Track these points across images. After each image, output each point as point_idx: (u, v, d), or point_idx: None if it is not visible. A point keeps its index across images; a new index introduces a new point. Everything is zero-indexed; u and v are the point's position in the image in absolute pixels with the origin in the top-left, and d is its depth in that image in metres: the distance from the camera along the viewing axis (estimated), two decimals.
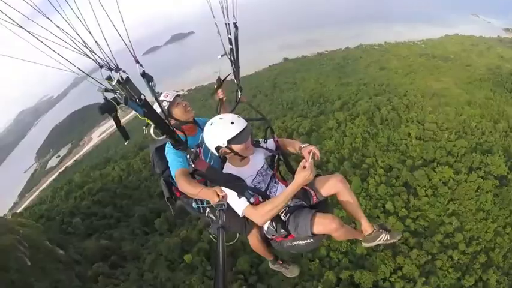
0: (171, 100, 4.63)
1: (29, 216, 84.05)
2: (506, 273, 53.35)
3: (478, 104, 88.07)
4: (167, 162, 4.44)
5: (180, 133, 4.04)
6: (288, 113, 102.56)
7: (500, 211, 62.49)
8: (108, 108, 3.38)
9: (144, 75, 3.65)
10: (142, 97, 3.30)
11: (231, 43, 4.80)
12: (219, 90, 5.31)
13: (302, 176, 3.57)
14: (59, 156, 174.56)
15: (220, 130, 3.74)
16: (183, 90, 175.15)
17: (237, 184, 3.82)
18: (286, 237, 4.25)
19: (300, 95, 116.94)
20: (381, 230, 4.56)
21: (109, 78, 3.13)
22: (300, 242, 4.18)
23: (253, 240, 4.81)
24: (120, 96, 3.22)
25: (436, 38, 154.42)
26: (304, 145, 4.35)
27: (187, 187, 3.98)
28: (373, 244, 4.63)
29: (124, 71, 3.16)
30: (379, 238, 4.53)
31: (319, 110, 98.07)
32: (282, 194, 3.73)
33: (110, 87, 3.18)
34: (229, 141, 3.74)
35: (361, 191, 66.04)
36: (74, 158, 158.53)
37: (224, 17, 4.57)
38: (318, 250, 54.85)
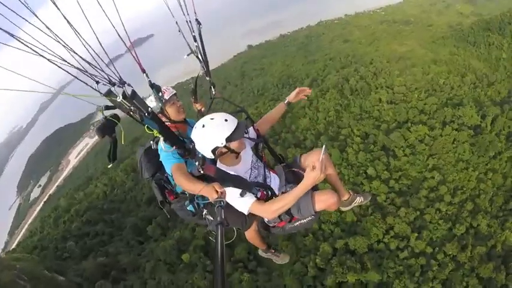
0: (167, 98, 4.48)
1: (22, 250, 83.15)
2: (495, 216, 54.76)
3: (444, 61, 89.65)
4: (157, 162, 4.36)
5: (177, 128, 4.24)
6: (260, 99, 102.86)
7: (479, 159, 64.29)
8: (108, 130, 3.36)
9: (152, 86, 3.78)
10: (150, 110, 3.20)
11: (195, 40, 4.73)
12: (197, 103, 5.19)
13: (312, 177, 3.52)
14: (40, 185, 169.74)
15: (215, 130, 3.63)
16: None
17: (244, 183, 3.82)
18: (290, 221, 4.34)
19: (269, 79, 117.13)
20: (355, 194, 5.09)
21: (109, 93, 2.91)
22: (303, 221, 4.30)
23: (251, 232, 4.93)
24: (126, 113, 3.07)
25: (395, 3, 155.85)
26: (288, 97, 4.85)
27: (186, 182, 3.84)
28: (350, 207, 5.13)
29: (129, 84, 2.99)
30: (355, 201, 5.07)
31: (289, 91, 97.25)
32: (291, 194, 3.71)
33: (109, 104, 3.03)
34: (228, 139, 3.67)
35: (342, 161, 66.86)
36: (56, 184, 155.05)
37: (184, 14, 4.51)
38: None
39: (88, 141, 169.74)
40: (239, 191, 3.73)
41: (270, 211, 3.76)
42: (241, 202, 3.76)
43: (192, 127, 3.89)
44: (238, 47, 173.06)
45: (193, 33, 4.66)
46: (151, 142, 4.33)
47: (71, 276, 61.83)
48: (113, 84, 2.90)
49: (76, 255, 71.81)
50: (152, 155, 4.43)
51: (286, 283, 49.33)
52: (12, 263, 63.46)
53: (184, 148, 3.68)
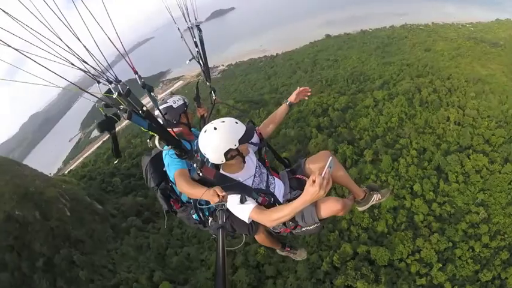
0: (184, 103, 4.61)
1: (71, 176, 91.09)
2: None
3: None
4: (162, 172, 4.41)
5: (180, 133, 4.33)
6: (326, 89, 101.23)
7: None
8: (108, 125, 3.33)
9: (144, 86, 3.71)
10: (144, 108, 3.19)
11: (197, 46, 4.83)
12: (200, 108, 5.20)
13: (310, 193, 3.16)
14: None
15: (229, 132, 3.64)
16: (223, 65, 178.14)
17: (243, 187, 3.78)
18: (295, 228, 4.23)
19: (340, 72, 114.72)
20: (372, 192, 4.77)
21: (108, 92, 3.00)
22: (309, 228, 4.13)
23: (260, 236, 4.89)
24: (121, 111, 3.10)
25: (487, 21, 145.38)
26: (289, 98, 4.82)
27: (187, 187, 3.90)
28: (367, 206, 4.82)
29: (124, 83, 3.04)
30: (372, 199, 4.75)
31: (358, 88, 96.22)
32: (290, 206, 3.46)
33: (109, 101, 3.08)
34: (240, 141, 3.68)
35: (391, 170, 65.46)
36: (117, 128, 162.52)
37: (186, 21, 4.62)
38: (339, 222, 55.49)
39: (158, 91, 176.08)
40: (238, 197, 3.66)
41: (269, 220, 3.62)
42: (241, 209, 3.67)
43: (196, 135, 4.01)
44: (316, 35, 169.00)
45: (194, 39, 4.77)
46: (148, 141, 4.07)
47: (108, 207, 67.30)
48: (110, 83, 2.99)
49: (118, 191, 78.04)
50: (158, 164, 4.46)
51: (298, 269, 49.70)
52: (59, 183, 70.89)
53: (181, 148, 3.61)
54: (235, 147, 3.66)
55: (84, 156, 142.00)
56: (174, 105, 4.46)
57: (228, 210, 3.50)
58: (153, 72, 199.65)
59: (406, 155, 68.31)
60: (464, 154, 67.57)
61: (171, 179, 4.24)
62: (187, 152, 3.63)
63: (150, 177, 4.58)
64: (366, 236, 55.21)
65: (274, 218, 3.56)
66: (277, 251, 5.83)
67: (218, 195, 3.43)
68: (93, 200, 67.24)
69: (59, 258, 53.08)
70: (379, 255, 52.16)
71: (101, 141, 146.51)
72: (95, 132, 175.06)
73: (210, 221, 4.18)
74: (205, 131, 3.66)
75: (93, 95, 2.98)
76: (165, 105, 4.42)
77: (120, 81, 3.04)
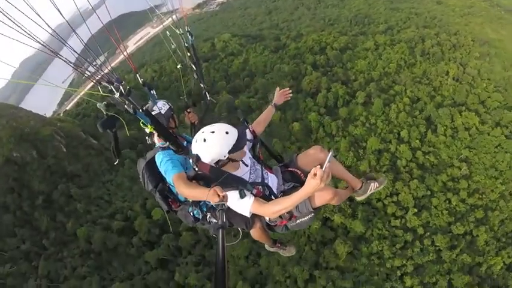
0: (170, 107, 4.66)
1: (66, 115, 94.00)
2: (497, 238, 51.38)
3: None
4: (159, 173, 4.34)
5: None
6: (328, 28, 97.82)
7: None
8: (109, 124, 3.62)
9: (144, 84, 4.17)
10: (144, 107, 3.49)
11: (189, 51, 4.92)
12: (190, 115, 5.17)
13: (312, 186, 3.23)
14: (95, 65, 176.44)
15: (217, 144, 3.62)
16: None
17: (238, 179, 3.73)
18: (290, 219, 4.24)
19: (345, 12, 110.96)
20: (369, 181, 4.86)
21: (110, 92, 3.21)
22: (303, 219, 4.21)
23: (256, 231, 4.72)
24: (122, 110, 3.34)
25: None
26: (274, 100, 4.93)
27: (187, 190, 3.83)
28: (366, 196, 4.91)
29: (126, 84, 3.24)
30: (369, 188, 4.84)
31: (360, 31, 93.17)
32: (291, 198, 3.52)
33: (110, 101, 3.28)
34: (230, 152, 3.68)
35: (381, 114, 64.12)
36: (110, 66, 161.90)
37: (177, 28, 4.76)
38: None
39: (149, 31, 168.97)
40: (237, 192, 3.61)
41: (270, 212, 3.68)
42: (242, 204, 3.67)
43: (188, 141, 4.21)
44: None
45: (186, 44, 4.89)
46: (147, 138, 4.43)
47: (103, 141, 68.84)
48: (112, 83, 3.19)
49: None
50: (154, 167, 4.40)
51: None
52: (54, 121, 74.97)
53: (178, 144, 3.89)
54: (225, 158, 3.69)
55: (79, 96, 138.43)
56: (162, 112, 4.48)
57: (228, 208, 3.45)
58: (145, 6, 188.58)
59: (399, 101, 66.73)
60: (457, 110, 65.86)
61: (169, 182, 4.24)
62: (184, 148, 4.00)
63: (147, 181, 4.56)
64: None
65: (275, 209, 3.62)
66: (266, 246, 5.68)
67: (218, 195, 3.33)
68: (88, 136, 70.66)
69: (57, 194, 57.33)
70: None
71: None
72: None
73: (208, 217, 4.26)
74: (196, 141, 3.69)
75: (93, 93, 3.41)
76: (153, 112, 4.27)
77: (122, 81, 3.24)
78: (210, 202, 3.65)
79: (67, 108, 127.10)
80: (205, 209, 4.31)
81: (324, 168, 3.18)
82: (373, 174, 5.08)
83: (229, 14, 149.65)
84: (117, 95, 3.14)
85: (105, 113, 3.45)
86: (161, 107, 4.57)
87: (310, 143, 65.18)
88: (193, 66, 5.17)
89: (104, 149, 67.14)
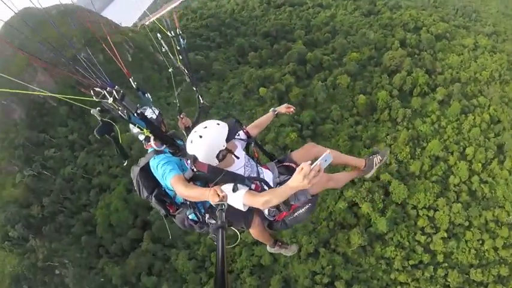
0: (159, 112, 4.47)
1: (142, 28, 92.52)
2: None
3: None
4: (153, 179, 4.22)
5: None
6: (430, 9, 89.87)
7: None
8: (106, 130, 3.61)
9: (138, 89, 4.10)
10: (139, 111, 3.41)
11: (180, 54, 4.83)
12: (183, 120, 5.07)
13: (294, 179, 3.04)
14: None
15: (214, 135, 3.59)
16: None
17: (236, 176, 3.71)
18: (289, 211, 4.23)
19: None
20: (371, 157, 4.79)
21: (103, 98, 3.15)
22: (301, 211, 4.22)
23: (255, 229, 4.62)
24: (117, 114, 3.29)
25: None
26: (276, 108, 4.94)
27: (187, 190, 3.69)
28: (373, 171, 4.79)
29: (118, 89, 3.22)
30: (374, 163, 4.75)
31: (464, 24, 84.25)
32: (277, 190, 3.43)
33: (104, 107, 3.26)
34: (227, 140, 3.66)
35: (454, 120, 58.89)
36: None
37: (169, 30, 4.59)
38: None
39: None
40: (231, 186, 3.55)
41: (261, 201, 3.46)
42: (235, 197, 3.54)
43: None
44: None
45: (178, 47, 4.78)
46: (143, 142, 4.28)
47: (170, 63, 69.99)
48: (104, 88, 3.13)
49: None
50: (148, 172, 4.21)
51: None
52: (126, 31, 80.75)
53: (175, 146, 3.87)
54: (224, 148, 3.65)
55: (160, 14, 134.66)
56: (153, 117, 4.26)
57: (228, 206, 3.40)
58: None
59: (478, 115, 59.50)
60: None
61: (168, 187, 4.08)
62: (181, 150, 3.87)
63: (142, 187, 4.38)
64: (396, 167, 50.40)
65: (266, 199, 3.48)
66: (268, 247, 5.45)
67: (218, 195, 3.26)
68: (155, 52, 73.31)
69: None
70: (397, 191, 48.22)
71: (179, 2, 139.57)
72: None
73: (207, 218, 4.17)
74: (191, 141, 3.61)
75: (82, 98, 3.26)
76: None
77: (115, 85, 3.20)
78: (208, 203, 3.85)
79: (147, 23, 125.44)
80: (203, 211, 4.13)
81: (313, 166, 2.96)
82: (375, 148, 4.99)
83: None
84: (110, 100, 3.10)
85: (99, 119, 3.43)
86: (149, 114, 4.18)
87: (370, 120, 60.40)
88: (185, 70, 4.92)
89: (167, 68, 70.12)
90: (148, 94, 4.28)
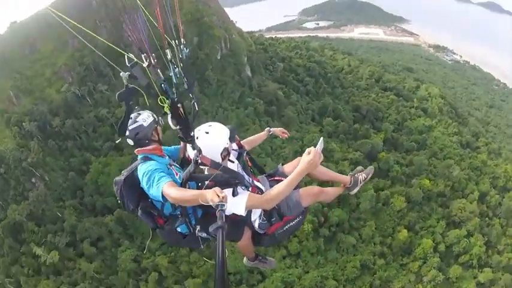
0: (154, 119, 4.23)
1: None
2: None
3: None
4: (138, 191, 3.94)
5: (154, 152, 4.02)
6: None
7: None
8: (127, 96, 3.73)
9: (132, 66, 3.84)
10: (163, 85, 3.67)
11: (181, 61, 4.66)
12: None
13: (307, 161, 3.44)
14: None
15: (219, 132, 3.72)
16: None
17: (236, 174, 3.72)
18: (281, 222, 4.26)
19: None
20: (356, 175, 4.94)
21: (134, 66, 3.43)
22: (292, 223, 4.29)
23: (244, 241, 4.49)
24: (143, 84, 3.53)
25: None
26: (272, 128, 5.08)
27: (181, 195, 3.44)
28: (358, 188, 4.95)
29: (153, 55, 3.52)
30: (359, 180, 4.91)
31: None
32: (285, 182, 3.61)
33: (134, 74, 3.47)
34: (230, 139, 3.79)
35: None
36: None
37: (173, 40, 4.39)
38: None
39: None
40: (231, 190, 3.55)
41: (267, 199, 3.62)
42: (236, 201, 3.57)
43: (167, 152, 4.20)
44: None
45: (180, 56, 4.61)
46: (160, 119, 4.11)
47: None
48: (142, 52, 3.38)
49: None
50: (132, 183, 3.96)
51: None
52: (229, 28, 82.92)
53: (188, 130, 3.87)
54: (228, 146, 3.76)
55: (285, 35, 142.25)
56: (145, 124, 4.07)
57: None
58: None
59: None
60: None
61: (156, 197, 3.72)
62: (189, 136, 3.85)
63: (126, 200, 4.08)
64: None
65: (272, 195, 3.59)
66: (246, 261, 5.34)
67: (218, 195, 3.14)
68: None
69: None
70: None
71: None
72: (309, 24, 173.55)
73: (197, 230, 4.03)
74: (197, 138, 3.67)
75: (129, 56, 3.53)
76: (135, 124, 4.00)
77: (152, 51, 3.40)
78: (200, 213, 3.83)
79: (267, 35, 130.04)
80: (194, 222, 3.97)
81: (316, 149, 3.39)
82: (360, 167, 5.15)
83: None
84: (145, 64, 3.29)
85: (125, 83, 3.54)
86: (145, 118, 4.05)
87: (396, 260, 54.55)
88: (185, 78, 4.54)
89: None
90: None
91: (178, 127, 3.89)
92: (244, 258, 5.33)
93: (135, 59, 3.55)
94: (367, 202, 57.00)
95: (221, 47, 76.76)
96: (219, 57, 76.08)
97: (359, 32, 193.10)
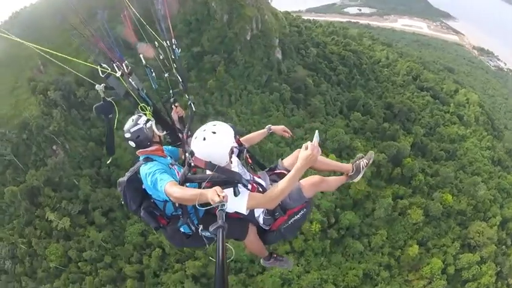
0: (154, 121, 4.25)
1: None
2: None
3: None
4: (141, 191, 3.99)
5: (156, 153, 3.99)
6: None
7: None
8: (106, 110, 3.57)
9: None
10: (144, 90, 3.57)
11: (174, 62, 4.79)
12: (177, 109, 4.82)
13: (304, 156, 3.46)
14: None
15: (226, 131, 3.62)
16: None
17: (234, 173, 3.59)
18: (284, 216, 4.17)
19: None
20: (357, 161, 4.78)
21: (110, 72, 3.23)
22: (297, 217, 4.19)
23: (250, 240, 4.43)
24: (121, 95, 3.40)
25: None
26: (272, 126, 4.86)
27: (183, 194, 3.43)
28: (361, 175, 4.77)
29: (128, 63, 3.35)
30: (361, 166, 4.74)
31: None
32: (285, 179, 3.56)
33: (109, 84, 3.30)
34: (235, 137, 3.71)
35: None
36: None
37: (164, 40, 4.52)
38: None
39: None
40: (231, 190, 3.44)
41: (269, 198, 3.56)
42: (237, 201, 3.51)
43: (168, 153, 4.09)
44: None
45: (172, 56, 4.73)
46: (144, 125, 3.89)
47: None
48: (113, 62, 3.19)
49: None
50: (135, 184, 3.98)
51: None
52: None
53: (175, 133, 3.96)
54: (234, 144, 3.67)
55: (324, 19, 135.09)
56: (147, 126, 4.03)
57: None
58: None
59: None
60: None
61: (159, 196, 3.84)
62: (180, 140, 4.01)
63: (129, 200, 4.09)
64: None
65: (274, 194, 3.54)
66: (262, 261, 5.20)
67: (218, 195, 3.14)
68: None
69: None
70: None
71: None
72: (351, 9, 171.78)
73: (200, 229, 3.87)
74: (204, 139, 3.55)
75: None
76: (136, 127, 3.95)
77: (124, 60, 3.26)
78: (202, 212, 3.74)
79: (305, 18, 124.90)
80: (196, 222, 3.93)
81: (313, 143, 3.43)
82: (360, 154, 4.96)
83: None
84: (118, 74, 3.15)
85: (102, 96, 3.41)
86: (145, 121, 4.05)
87: (402, 275, 51.78)
88: (180, 78, 4.75)
89: None
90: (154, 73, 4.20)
91: (165, 132, 3.89)
92: (261, 259, 5.20)
93: (109, 70, 3.35)
94: (383, 210, 54.41)
95: (252, 28, 73.51)
96: (248, 38, 72.76)
97: (402, 24, 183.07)
